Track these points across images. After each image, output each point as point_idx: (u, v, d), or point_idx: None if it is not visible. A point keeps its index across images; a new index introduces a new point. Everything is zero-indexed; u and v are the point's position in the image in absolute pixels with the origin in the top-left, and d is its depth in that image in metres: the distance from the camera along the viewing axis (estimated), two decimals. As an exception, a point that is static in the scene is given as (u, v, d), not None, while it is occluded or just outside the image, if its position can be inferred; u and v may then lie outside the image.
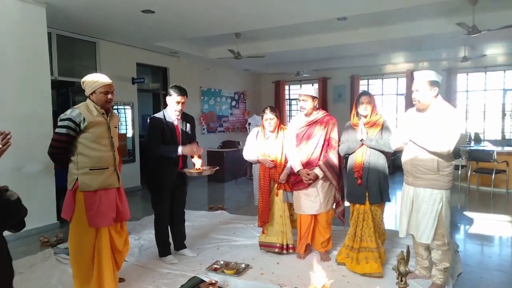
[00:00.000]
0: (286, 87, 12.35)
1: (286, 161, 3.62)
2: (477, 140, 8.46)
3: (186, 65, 9.07)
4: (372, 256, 3.13)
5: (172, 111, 3.50)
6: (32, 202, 4.57)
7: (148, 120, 3.54)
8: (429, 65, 9.82)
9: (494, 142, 8.47)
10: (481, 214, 5.64)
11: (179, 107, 3.47)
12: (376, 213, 3.23)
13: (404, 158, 2.91)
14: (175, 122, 3.53)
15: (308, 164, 3.43)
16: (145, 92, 8.56)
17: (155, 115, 3.55)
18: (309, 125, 3.47)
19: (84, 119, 2.65)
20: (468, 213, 5.63)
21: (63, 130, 2.63)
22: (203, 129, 9.77)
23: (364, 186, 3.20)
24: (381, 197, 3.21)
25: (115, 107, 7.30)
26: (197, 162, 3.50)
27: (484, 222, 5.20)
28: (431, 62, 9.84)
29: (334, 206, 3.58)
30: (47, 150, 2.72)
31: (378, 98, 10.95)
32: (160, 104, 8.71)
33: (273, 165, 3.63)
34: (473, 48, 8.60)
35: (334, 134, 3.45)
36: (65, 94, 6.96)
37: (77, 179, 2.68)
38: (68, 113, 2.66)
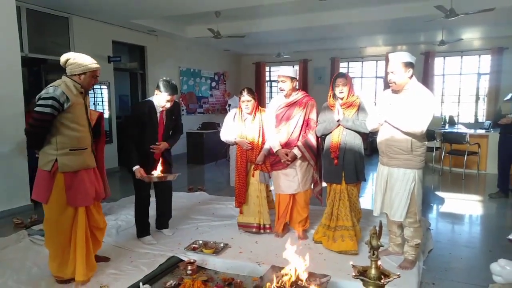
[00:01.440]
0: (267, 68, 12.28)
1: (263, 143, 3.62)
2: (451, 123, 8.71)
3: (164, 44, 8.85)
4: (348, 234, 3.21)
5: (158, 105, 3.40)
6: (4, 183, 4.50)
7: (130, 107, 3.45)
8: (407, 48, 9.95)
9: (468, 125, 8.75)
10: (453, 194, 5.86)
11: (168, 105, 3.38)
12: (352, 193, 3.30)
13: (379, 139, 2.96)
14: (158, 114, 3.45)
15: (287, 145, 3.46)
16: (122, 71, 8.32)
17: (139, 102, 3.47)
18: (288, 106, 3.48)
19: (67, 98, 2.59)
20: (440, 193, 5.83)
21: (47, 110, 2.54)
22: (182, 110, 9.64)
23: (340, 166, 3.24)
24: (357, 177, 3.27)
25: (91, 86, 7.07)
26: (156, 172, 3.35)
27: (455, 202, 5.40)
28: (410, 45, 9.95)
29: (312, 186, 3.63)
30: (19, 129, 2.64)
31: (358, 80, 11.06)
32: (138, 83, 8.51)
33: (250, 147, 3.62)
34: (450, 32, 8.73)
35: (313, 115, 3.48)
36: (37, 72, 6.69)
37: (56, 160, 2.64)
38: (51, 91, 2.56)
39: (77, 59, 2.70)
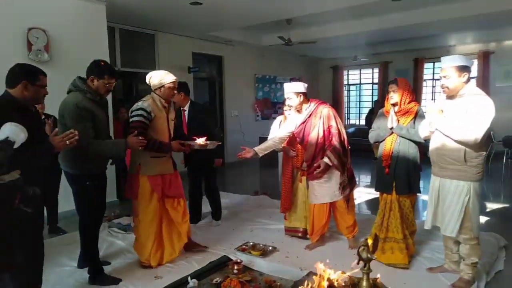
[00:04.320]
0: (345, 72, 12.00)
1: None
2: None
3: (241, 53, 9.26)
4: (398, 247, 3.06)
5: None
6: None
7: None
8: (508, 45, 8.83)
9: None
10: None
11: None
12: (404, 204, 3.13)
13: (430, 147, 2.78)
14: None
15: (314, 158, 3.37)
16: (201, 80, 8.94)
17: None
18: (305, 121, 3.39)
19: (152, 110, 3.00)
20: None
21: (138, 118, 2.95)
22: (257, 115, 9.96)
23: (391, 176, 3.10)
24: (409, 188, 3.09)
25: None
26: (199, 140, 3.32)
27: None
28: (510, 41, 8.83)
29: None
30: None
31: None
32: (215, 91, 9.05)
33: (295, 154, 3.65)
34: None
35: (332, 122, 3.33)
36: (129, 83, 7.59)
37: (139, 164, 3.08)
38: (140, 104, 2.99)
39: (154, 76, 3.08)
